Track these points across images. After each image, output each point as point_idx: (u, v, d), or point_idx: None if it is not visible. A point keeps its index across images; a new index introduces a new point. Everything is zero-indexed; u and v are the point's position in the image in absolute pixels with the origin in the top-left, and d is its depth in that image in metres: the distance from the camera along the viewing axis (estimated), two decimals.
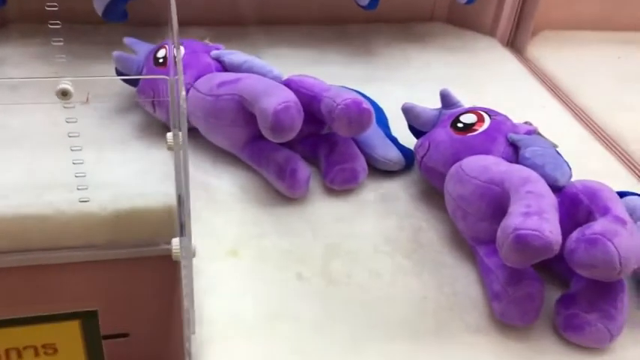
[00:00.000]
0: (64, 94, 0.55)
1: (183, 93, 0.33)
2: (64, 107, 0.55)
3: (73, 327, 0.31)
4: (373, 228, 0.65)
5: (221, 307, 0.55)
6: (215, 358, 0.50)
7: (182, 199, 0.43)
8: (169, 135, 0.55)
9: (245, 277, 0.58)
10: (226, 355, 0.51)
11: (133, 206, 0.63)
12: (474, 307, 0.57)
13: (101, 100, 0.73)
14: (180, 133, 0.53)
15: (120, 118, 0.74)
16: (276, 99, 0.62)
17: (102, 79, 0.66)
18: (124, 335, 0.73)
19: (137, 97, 0.72)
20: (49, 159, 0.64)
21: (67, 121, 0.56)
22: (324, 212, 0.67)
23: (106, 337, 0.73)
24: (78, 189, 0.61)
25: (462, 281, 0.60)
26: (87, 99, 0.76)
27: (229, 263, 0.59)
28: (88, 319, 0.31)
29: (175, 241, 0.45)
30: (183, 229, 0.44)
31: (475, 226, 0.59)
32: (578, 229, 0.52)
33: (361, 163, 0.69)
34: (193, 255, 0.42)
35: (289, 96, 0.63)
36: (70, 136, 0.57)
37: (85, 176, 0.60)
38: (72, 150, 0.58)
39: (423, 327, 0.55)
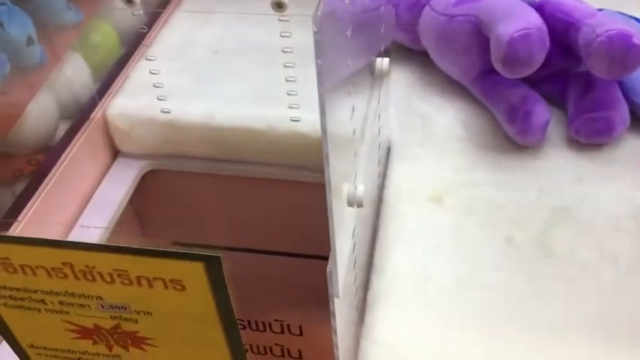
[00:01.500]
0: (279, 5, 0.52)
1: (319, 12, 0.27)
2: (279, 20, 0.52)
3: (198, 268, 0.29)
4: (622, 198, 0.52)
5: (409, 259, 0.49)
6: (389, 314, 0.45)
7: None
8: (379, 61, 0.49)
9: (444, 229, 0.51)
10: (402, 314, 0.46)
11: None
12: None
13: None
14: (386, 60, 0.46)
15: None
16: (515, 24, 0.51)
17: None
18: (325, 258, 0.72)
19: None
20: (266, 73, 0.63)
21: (281, 35, 0.54)
22: (559, 168, 0.55)
23: (312, 257, 0.74)
24: (290, 107, 0.59)
25: None
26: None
27: (431, 210, 0.52)
28: (211, 264, 0.29)
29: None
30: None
31: None
32: None
33: (621, 113, 0.55)
34: (352, 204, 0.36)
35: (534, 21, 0.51)
36: (284, 52, 0.55)
37: (296, 95, 0.58)
38: (285, 66, 0.56)
39: None
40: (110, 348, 0.35)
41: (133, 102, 0.63)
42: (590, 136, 0.55)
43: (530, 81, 0.57)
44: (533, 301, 0.46)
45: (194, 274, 0.30)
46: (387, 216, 0.52)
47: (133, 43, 0.69)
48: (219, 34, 0.71)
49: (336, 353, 0.35)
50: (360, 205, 0.36)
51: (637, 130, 0.56)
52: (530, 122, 0.55)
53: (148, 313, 0.32)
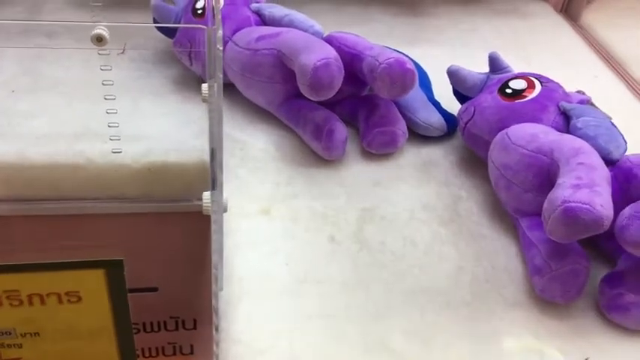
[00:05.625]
0: (99, 39, 0.53)
1: (220, 45, 0.31)
2: (99, 54, 0.53)
3: (98, 276, 0.30)
4: (410, 195, 0.63)
5: (251, 266, 0.53)
6: (243, 316, 0.49)
7: (214, 153, 0.41)
8: (204, 86, 0.53)
9: (276, 236, 0.57)
10: (254, 314, 0.50)
11: (166, 160, 0.61)
12: (512, 282, 0.55)
13: (137, 51, 0.72)
14: (215, 85, 0.51)
15: (156, 71, 0.72)
16: (316, 55, 0.59)
17: (139, 28, 0.64)
18: (153, 289, 0.73)
19: (173, 48, 0.70)
20: (82, 107, 0.62)
21: (101, 69, 0.55)
22: (360, 176, 0.64)
23: (134, 291, 0.73)
24: (111, 139, 0.59)
25: (500, 254, 0.57)
26: (123, 50, 0.75)
27: (261, 222, 0.58)
28: (113, 269, 0.30)
29: (206, 195, 0.44)
30: (214, 183, 0.42)
31: (519, 197, 0.56)
32: (631, 205, 0.49)
33: (401, 127, 0.67)
34: (225, 210, 0.41)
35: (330, 52, 0.60)
36: (104, 84, 0.56)
37: (118, 126, 0.59)
38: (105, 99, 0.56)
39: (457, 299, 0.53)
40: None
41: None
42: (380, 147, 0.66)
43: (325, 105, 0.66)
44: (359, 287, 0.54)
45: (93, 282, 0.31)
46: (225, 230, 0.55)
47: None
48: (14, 71, 0.68)
49: (215, 351, 0.38)
50: (225, 210, 0.40)
51: (413, 141, 0.69)
52: (333, 139, 0.63)
53: (35, 334, 0.32)
